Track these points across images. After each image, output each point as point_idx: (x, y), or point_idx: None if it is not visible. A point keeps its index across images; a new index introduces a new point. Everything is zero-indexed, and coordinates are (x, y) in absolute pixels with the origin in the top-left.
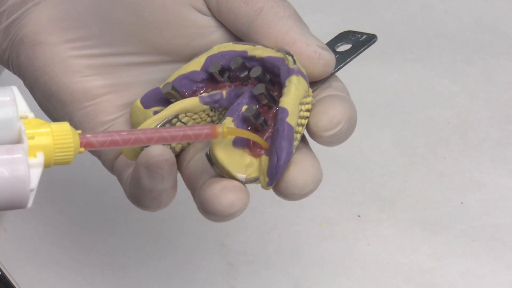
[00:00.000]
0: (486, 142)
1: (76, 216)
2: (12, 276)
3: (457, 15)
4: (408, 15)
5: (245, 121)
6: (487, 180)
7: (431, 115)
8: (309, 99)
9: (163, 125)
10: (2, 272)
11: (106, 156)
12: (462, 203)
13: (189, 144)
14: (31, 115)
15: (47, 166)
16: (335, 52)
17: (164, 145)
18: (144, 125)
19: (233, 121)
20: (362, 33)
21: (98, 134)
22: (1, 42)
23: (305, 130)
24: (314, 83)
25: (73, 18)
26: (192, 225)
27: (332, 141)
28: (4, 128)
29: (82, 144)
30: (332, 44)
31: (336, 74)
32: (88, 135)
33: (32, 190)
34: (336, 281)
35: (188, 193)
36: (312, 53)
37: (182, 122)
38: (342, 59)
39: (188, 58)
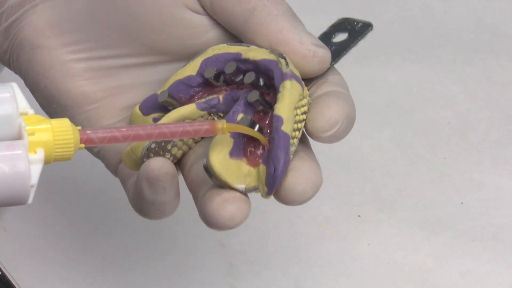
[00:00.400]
0: (486, 142)
1: (76, 216)
2: (12, 276)
3: (457, 15)
4: (408, 15)
5: None
6: (487, 180)
7: (431, 115)
8: (304, 101)
9: None
10: (2, 272)
11: (109, 160)
12: (462, 203)
13: (190, 148)
14: (31, 111)
15: (47, 162)
16: (332, 44)
17: (165, 154)
18: None
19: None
20: (358, 21)
21: (98, 130)
22: (2, 43)
23: (305, 129)
24: (311, 79)
25: (70, 21)
26: (192, 225)
27: (331, 140)
28: (4, 124)
29: (82, 140)
30: (328, 34)
31: (335, 66)
32: (88, 131)
33: (32, 186)
34: (336, 281)
35: (188, 194)
36: (306, 51)
37: None
38: (339, 51)
39: (186, 57)
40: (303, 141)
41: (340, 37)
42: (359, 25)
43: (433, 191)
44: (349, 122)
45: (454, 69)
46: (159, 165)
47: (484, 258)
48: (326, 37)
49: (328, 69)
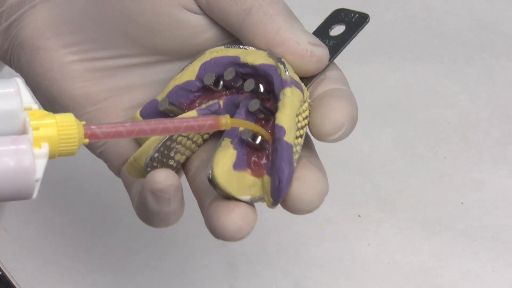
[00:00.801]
0: (486, 142)
1: (76, 216)
2: (13, 276)
3: (457, 15)
4: (409, 15)
5: (243, 142)
6: (488, 180)
7: (432, 115)
8: (305, 106)
9: (165, 142)
10: (3, 272)
11: (111, 161)
12: (462, 203)
13: (193, 152)
14: (35, 106)
15: (52, 157)
16: (329, 37)
17: (168, 161)
18: (146, 144)
19: (231, 142)
20: (354, 12)
21: (103, 125)
22: (2, 43)
23: (311, 132)
24: (310, 78)
25: (69, 22)
26: (192, 225)
27: (335, 141)
28: (9, 119)
29: (86, 135)
30: (325, 27)
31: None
32: (92, 126)
33: (37, 181)
34: (336, 281)
35: (189, 194)
36: (303, 51)
37: (184, 136)
38: (337, 45)
39: (186, 57)
40: (307, 144)
41: (337, 30)
42: (356, 16)
43: (434, 191)
44: (353, 123)
45: (455, 69)
46: (163, 177)
47: (485, 258)
48: (323, 30)
49: (327, 65)
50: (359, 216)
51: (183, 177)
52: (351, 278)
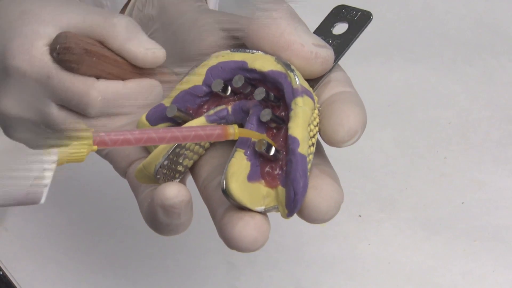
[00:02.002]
0: (486, 142)
1: (77, 216)
2: (13, 275)
3: (458, 15)
4: (409, 15)
5: (257, 153)
6: (488, 180)
7: (432, 115)
8: (316, 113)
9: (174, 149)
10: (3, 272)
11: (117, 163)
12: (463, 203)
13: (200, 156)
14: None
15: (60, 163)
16: (333, 36)
17: (177, 167)
18: (155, 151)
19: (245, 154)
20: (356, 9)
21: (111, 132)
22: None
23: (324, 139)
24: (316, 79)
25: None
26: (193, 225)
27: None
28: None
29: (95, 142)
30: (328, 25)
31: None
32: (101, 134)
33: (45, 186)
34: (337, 281)
35: (191, 194)
36: (308, 53)
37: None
38: (341, 45)
39: (191, 59)
40: (318, 149)
41: (340, 28)
42: (358, 14)
43: (434, 191)
44: (364, 127)
45: (455, 69)
46: (174, 193)
47: (485, 258)
48: (325, 28)
49: (332, 66)
50: (360, 216)
51: (189, 178)
52: (351, 277)
